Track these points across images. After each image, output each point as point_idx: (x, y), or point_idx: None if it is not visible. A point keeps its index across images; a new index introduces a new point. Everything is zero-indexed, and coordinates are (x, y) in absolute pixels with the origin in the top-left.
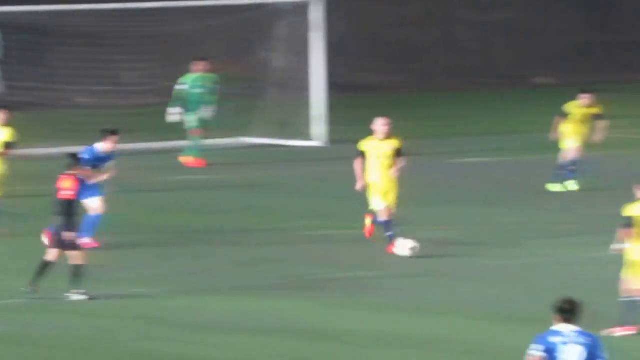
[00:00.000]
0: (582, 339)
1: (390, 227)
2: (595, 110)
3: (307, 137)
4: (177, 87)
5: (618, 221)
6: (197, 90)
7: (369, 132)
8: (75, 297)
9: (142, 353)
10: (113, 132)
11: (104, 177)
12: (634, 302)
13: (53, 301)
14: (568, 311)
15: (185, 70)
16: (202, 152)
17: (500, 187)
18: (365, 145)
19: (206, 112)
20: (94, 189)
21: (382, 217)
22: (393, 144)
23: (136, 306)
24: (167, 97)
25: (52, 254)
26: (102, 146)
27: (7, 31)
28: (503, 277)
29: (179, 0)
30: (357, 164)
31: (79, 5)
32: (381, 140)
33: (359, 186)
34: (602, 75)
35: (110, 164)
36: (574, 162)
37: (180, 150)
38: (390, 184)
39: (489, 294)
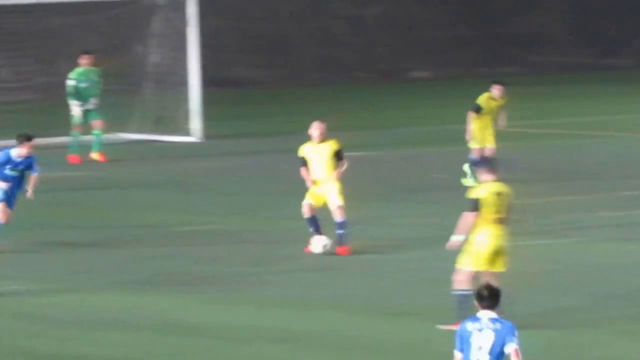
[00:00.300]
0: (494, 325)
1: (343, 226)
2: (503, 102)
3: (184, 132)
4: (68, 82)
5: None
6: (84, 84)
7: (245, 127)
8: None
9: (17, 351)
10: (28, 138)
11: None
12: (467, 296)
13: None
14: (485, 298)
15: (63, 65)
16: (82, 147)
17: (380, 181)
18: (304, 150)
19: (90, 106)
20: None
21: (337, 218)
22: (331, 146)
23: (12, 303)
24: (44, 93)
25: None
26: (17, 151)
27: None
28: (385, 271)
29: None
30: (302, 171)
31: None
32: (318, 143)
33: (308, 184)
34: (478, 69)
35: (33, 175)
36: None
37: (62, 147)
38: (334, 185)
39: (372, 288)
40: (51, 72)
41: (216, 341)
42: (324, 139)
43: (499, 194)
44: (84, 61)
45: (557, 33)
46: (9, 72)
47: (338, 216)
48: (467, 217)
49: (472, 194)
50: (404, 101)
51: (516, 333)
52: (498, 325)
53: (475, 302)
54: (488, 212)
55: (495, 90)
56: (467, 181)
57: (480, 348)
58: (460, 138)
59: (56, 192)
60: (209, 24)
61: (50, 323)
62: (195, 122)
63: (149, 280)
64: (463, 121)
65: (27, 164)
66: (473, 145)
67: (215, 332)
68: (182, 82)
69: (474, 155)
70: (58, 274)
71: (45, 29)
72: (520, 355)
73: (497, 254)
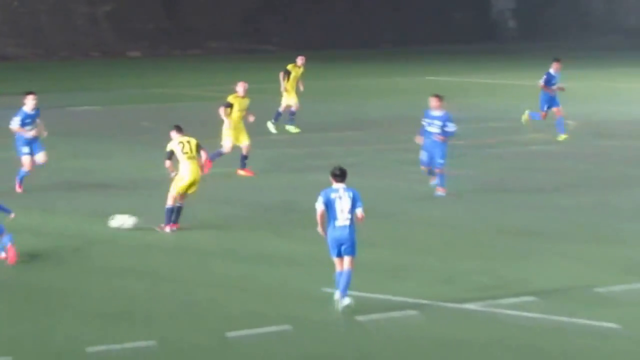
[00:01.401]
0: (348, 193)
1: (246, 158)
2: (303, 69)
3: None
4: None
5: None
6: None
7: (9, 88)
8: None
9: None
10: (31, 92)
11: (44, 133)
12: (172, 208)
13: None
14: (338, 175)
15: None
16: None
17: (110, 127)
18: (232, 99)
19: None
20: (38, 145)
21: (244, 152)
22: (248, 101)
23: None
24: None
25: None
26: (27, 106)
27: None
28: (119, 189)
29: None
30: (222, 110)
31: None
32: (242, 97)
33: (226, 124)
34: (174, 50)
35: (38, 121)
36: (293, 112)
37: None
38: (244, 129)
39: (107, 202)
40: None
41: None
42: (246, 94)
43: (185, 143)
44: None
45: (227, 27)
46: None
47: (245, 150)
48: (165, 163)
49: (167, 147)
50: (122, 72)
51: (361, 198)
52: (350, 193)
53: (331, 179)
54: (181, 155)
55: (299, 60)
56: (272, 127)
57: (342, 210)
58: (163, 98)
59: None
60: None
61: None
62: None
63: None
64: (163, 85)
65: (36, 116)
66: (283, 101)
67: None
68: None
69: (280, 110)
70: None
71: None
72: (363, 215)
73: (192, 182)
